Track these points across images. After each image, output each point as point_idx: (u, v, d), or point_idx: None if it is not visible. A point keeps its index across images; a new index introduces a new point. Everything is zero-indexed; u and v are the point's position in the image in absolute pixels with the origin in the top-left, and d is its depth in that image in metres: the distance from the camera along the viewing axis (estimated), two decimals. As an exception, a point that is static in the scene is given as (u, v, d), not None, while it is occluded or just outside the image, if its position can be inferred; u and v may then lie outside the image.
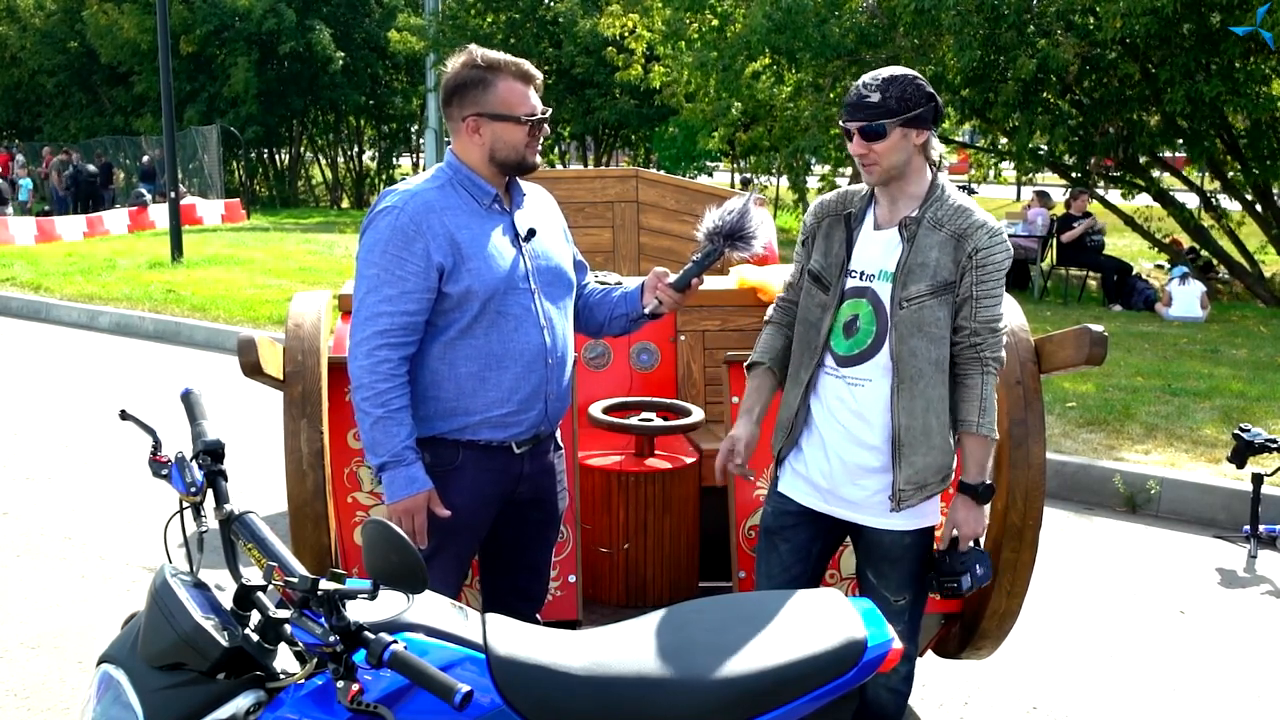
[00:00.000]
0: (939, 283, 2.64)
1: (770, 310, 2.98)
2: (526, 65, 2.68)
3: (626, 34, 16.67)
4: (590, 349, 4.17)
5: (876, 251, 2.72)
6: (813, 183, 18.75)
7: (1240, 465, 5.33)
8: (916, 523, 2.74)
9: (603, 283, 3.08)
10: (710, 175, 24.85)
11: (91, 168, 25.57)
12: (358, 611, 1.84)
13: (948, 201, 2.68)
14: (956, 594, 2.76)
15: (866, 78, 2.67)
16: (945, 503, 2.86)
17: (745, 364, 2.99)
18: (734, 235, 2.75)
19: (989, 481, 2.72)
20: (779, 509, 2.87)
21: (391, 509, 2.60)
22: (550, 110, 2.73)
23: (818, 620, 2.13)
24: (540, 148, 2.75)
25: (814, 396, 2.79)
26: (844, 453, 2.74)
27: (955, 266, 2.64)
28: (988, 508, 2.75)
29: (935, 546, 2.83)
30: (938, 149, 2.72)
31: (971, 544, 2.78)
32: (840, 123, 2.72)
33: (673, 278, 2.81)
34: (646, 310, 2.83)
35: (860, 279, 2.73)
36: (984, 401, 2.67)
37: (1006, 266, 2.67)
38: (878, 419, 2.70)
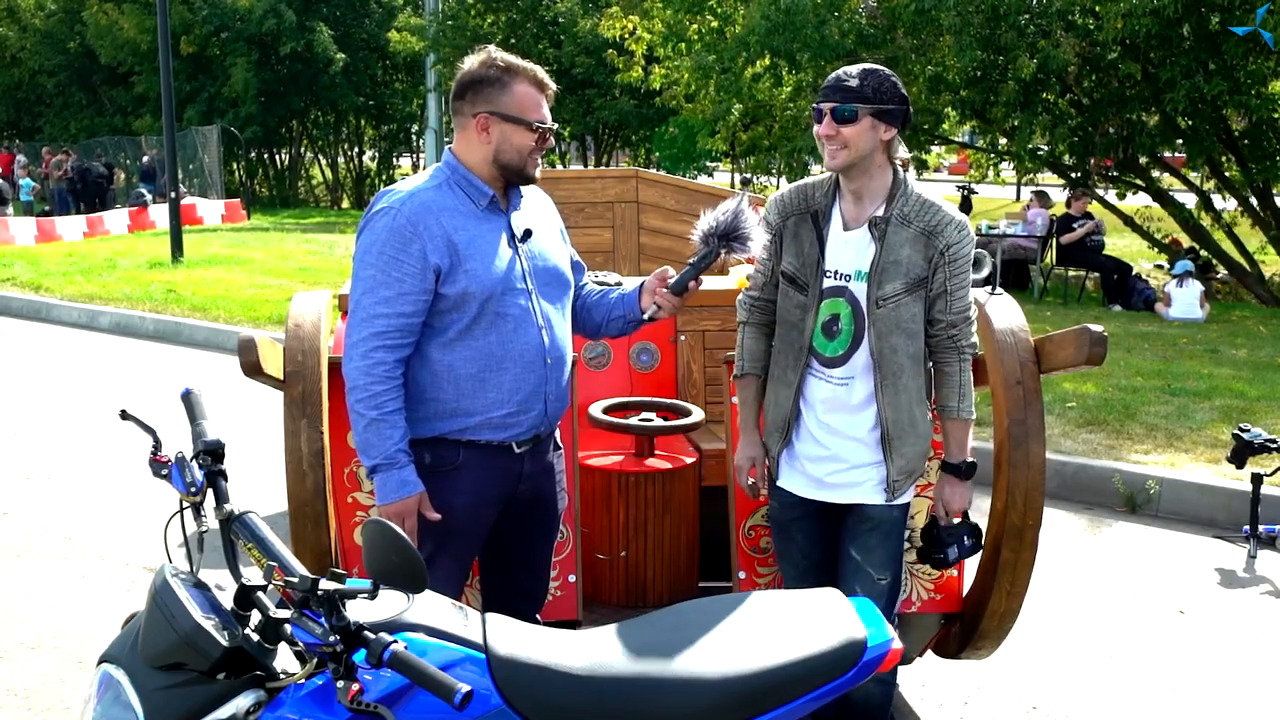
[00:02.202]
0: (912, 280, 2.72)
1: (741, 310, 3.02)
2: (544, 74, 2.68)
3: (627, 35, 16.67)
4: (590, 349, 4.17)
5: (849, 252, 2.77)
6: (812, 183, 18.65)
7: (1240, 465, 5.33)
8: (902, 498, 2.86)
9: (603, 283, 3.09)
10: (710, 175, 24.86)
11: (99, 167, 25.59)
12: (358, 611, 1.84)
13: (912, 198, 2.75)
14: (944, 564, 2.91)
15: (848, 67, 2.75)
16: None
17: (734, 375, 3.04)
18: (729, 236, 2.76)
19: (971, 459, 2.86)
20: (784, 502, 2.96)
21: (382, 511, 2.59)
22: (556, 126, 2.74)
23: (817, 620, 2.13)
24: (540, 161, 2.75)
25: (803, 400, 2.87)
26: (836, 449, 2.82)
27: (926, 262, 2.72)
28: (970, 483, 2.89)
29: (926, 521, 2.97)
30: (902, 154, 2.78)
31: (958, 519, 2.92)
32: (814, 105, 2.75)
33: (671, 280, 2.81)
34: (646, 316, 2.84)
35: (836, 279, 2.78)
36: (962, 388, 2.81)
37: (971, 258, 2.77)
38: (865, 415, 2.79)
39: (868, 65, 2.74)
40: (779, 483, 2.95)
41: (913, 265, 2.71)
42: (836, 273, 2.78)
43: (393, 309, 2.57)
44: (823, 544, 2.94)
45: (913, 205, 2.73)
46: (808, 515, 2.91)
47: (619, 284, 3.01)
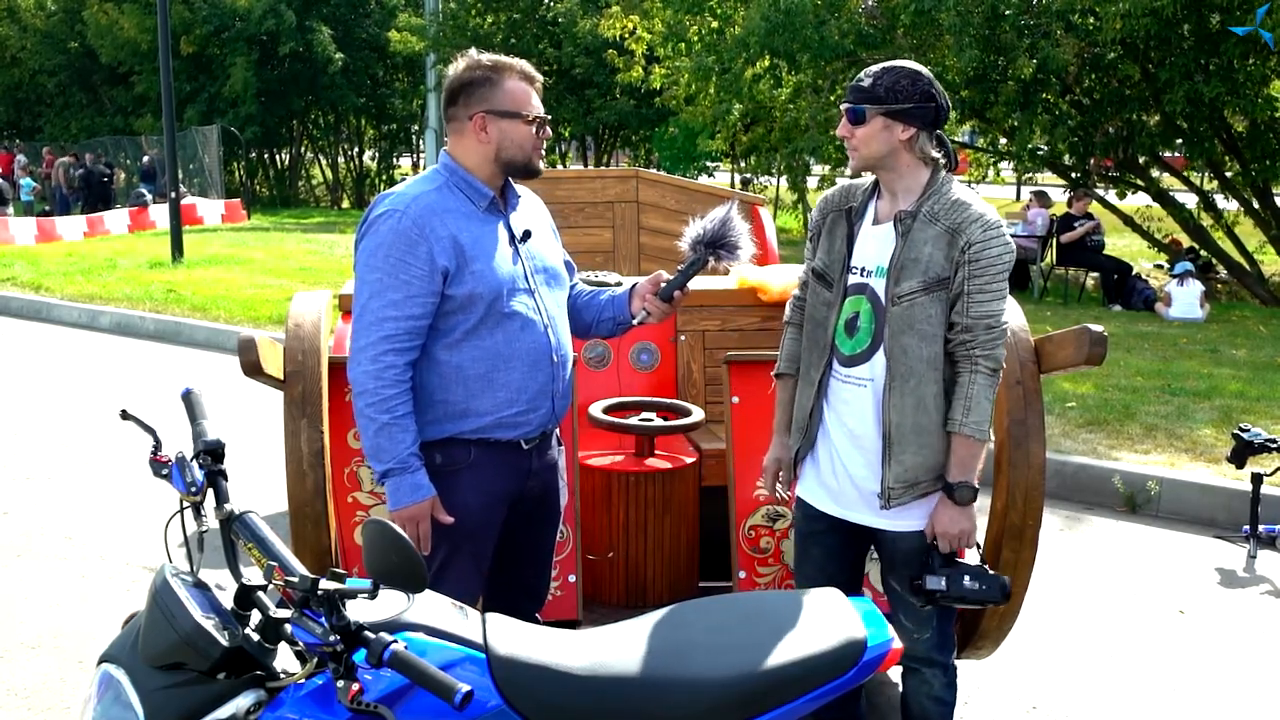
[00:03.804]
0: (931, 279, 2.59)
1: (787, 310, 2.98)
2: (530, 67, 2.71)
3: (627, 35, 16.67)
4: (590, 349, 4.17)
5: (874, 247, 2.70)
6: (812, 183, 18.71)
7: (1240, 465, 5.32)
8: (913, 519, 2.71)
9: (602, 283, 3.09)
10: (711, 176, 24.85)
11: (102, 167, 25.60)
12: (358, 611, 1.84)
13: (946, 196, 2.63)
14: (922, 594, 2.67)
15: (874, 66, 2.69)
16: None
17: (773, 372, 2.98)
18: (716, 243, 2.76)
19: (968, 481, 2.63)
20: (805, 513, 2.88)
21: (395, 516, 2.59)
22: (550, 117, 2.75)
23: (818, 620, 2.13)
24: (543, 153, 2.77)
25: (825, 400, 2.79)
26: (850, 459, 2.74)
27: (949, 262, 2.58)
28: (972, 510, 2.66)
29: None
30: (936, 151, 2.65)
31: (972, 557, 2.73)
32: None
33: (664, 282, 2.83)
34: (635, 322, 2.86)
35: (860, 275, 2.72)
36: (970, 400, 2.59)
37: (1005, 263, 2.59)
38: (876, 419, 2.68)
39: (891, 64, 2.66)
40: (798, 491, 2.90)
41: (933, 263, 2.58)
42: (862, 269, 2.71)
43: (401, 312, 2.56)
44: (841, 561, 2.85)
45: (944, 203, 2.61)
46: (828, 530, 2.83)
47: (619, 284, 3.02)
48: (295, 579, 1.79)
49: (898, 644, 2.15)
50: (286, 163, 32.08)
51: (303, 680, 1.85)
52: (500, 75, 2.64)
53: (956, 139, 17.03)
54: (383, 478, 2.60)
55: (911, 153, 2.64)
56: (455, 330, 2.63)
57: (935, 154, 2.66)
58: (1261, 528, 5.26)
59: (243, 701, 1.84)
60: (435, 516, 2.63)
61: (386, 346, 2.56)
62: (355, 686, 1.77)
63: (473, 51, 2.71)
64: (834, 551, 2.85)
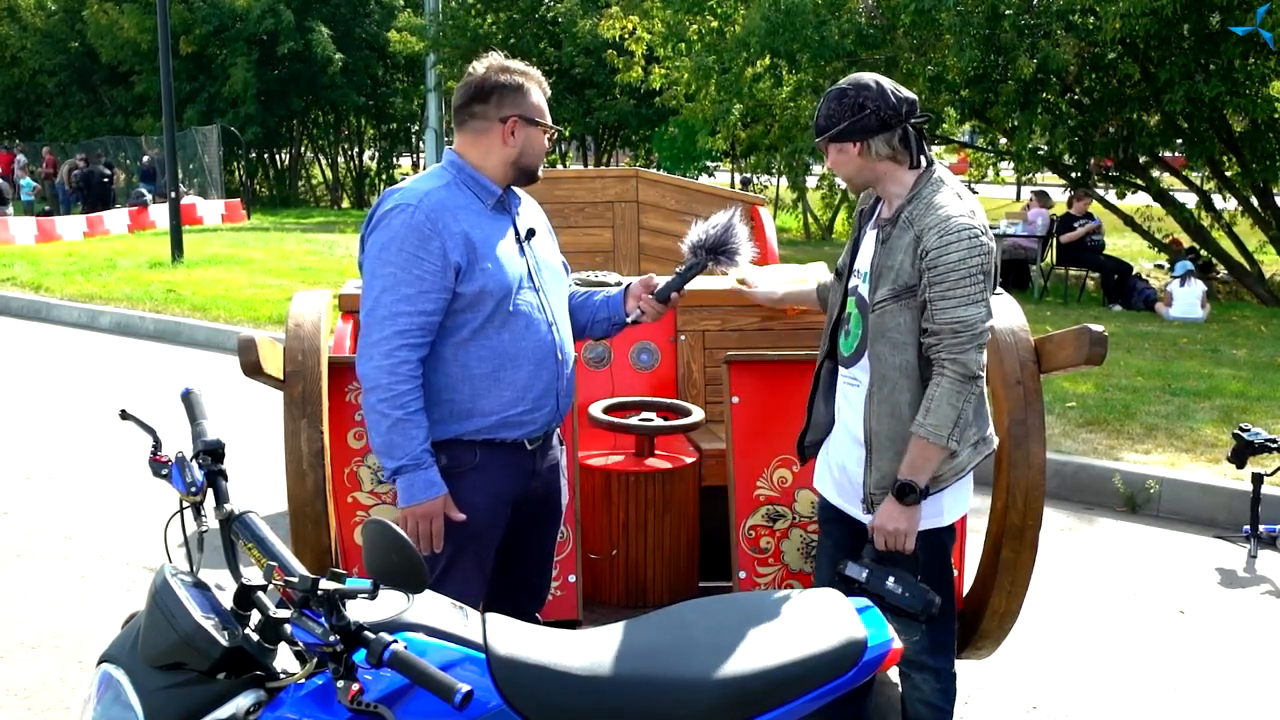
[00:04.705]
0: (900, 286, 2.61)
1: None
2: (544, 79, 2.78)
3: (626, 35, 16.68)
4: (590, 349, 4.17)
5: (867, 252, 2.77)
6: (812, 182, 18.71)
7: (1240, 465, 5.33)
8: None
9: (601, 283, 3.10)
10: (711, 175, 24.85)
11: (104, 167, 25.61)
12: (358, 611, 1.83)
13: (923, 199, 2.62)
14: (850, 589, 2.59)
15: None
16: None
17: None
18: (717, 249, 2.79)
19: (914, 482, 2.58)
20: (821, 502, 2.98)
21: (408, 513, 2.58)
22: (558, 128, 2.82)
23: (818, 620, 2.13)
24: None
25: (829, 395, 2.89)
26: (847, 455, 2.79)
27: (915, 270, 2.59)
28: (914, 512, 2.61)
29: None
30: (886, 149, 2.63)
31: (914, 567, 2.65)
32: None
33: (657, 287, 2.84)
34: (629, 321, 2.88)
35: (856, 278, 2.79)
36: (930, 403, 2.56)
37: (968, 267, 2.52)
38: (862, 420, 2.74)
39: (832, 88, 2.70)
40: (814, 482, 3.00)
41: (903, 271, 2.60)
42: (859, 271, 2.78)
43: (415, 307, 2.56)
44: (851, 555, 2.84)
45: (919, 207, 2.60)
46: (834, 520, 2.89)
47: (618, 284, 3.03)
48: (295, 579, 1.79)
49: (898, 644, 2.15)
50: (286, 163, 32.11)
51: (303, 680, 1.84)
52: (530, 83, 2.70)
53: (956, 139, 17.05)
54: (394, 474, 2.59)
55: (878, 162, 2.66)
56: (463, 328, 2.63)
57: (885, 153, 2.64)
58: (1262, 528, 5.26)
59: (243, 701, 1.84)
60: (447, 514, 2.62)
61: (400, 342, 2.56)
62: (355, 686, 1.77)
63: (495, 55, 2.74)
64: (842, 545, 2.88)
